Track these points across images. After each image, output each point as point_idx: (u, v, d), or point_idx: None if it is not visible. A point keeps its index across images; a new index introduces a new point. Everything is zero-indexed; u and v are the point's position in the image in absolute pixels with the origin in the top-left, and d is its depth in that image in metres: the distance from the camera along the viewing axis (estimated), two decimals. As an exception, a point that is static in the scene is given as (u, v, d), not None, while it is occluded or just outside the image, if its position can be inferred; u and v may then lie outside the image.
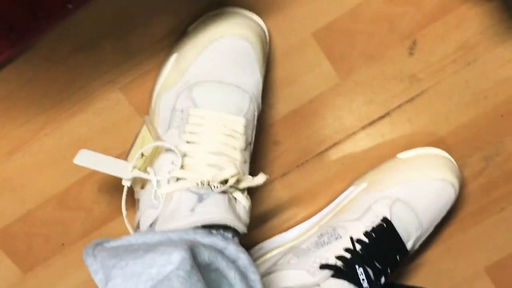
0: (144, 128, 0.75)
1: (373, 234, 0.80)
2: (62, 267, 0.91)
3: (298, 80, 0.83)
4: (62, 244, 0.90)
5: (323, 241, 0.82)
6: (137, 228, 0.74)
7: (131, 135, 0.81)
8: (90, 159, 0.73)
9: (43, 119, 0.83)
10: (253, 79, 0.74)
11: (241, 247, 0.69)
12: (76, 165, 0.82)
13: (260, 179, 0.73)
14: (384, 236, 0.80)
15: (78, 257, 0.86)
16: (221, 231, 0.70)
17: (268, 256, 0.87)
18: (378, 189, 0.83)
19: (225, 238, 0.68)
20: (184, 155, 0.70)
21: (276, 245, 0.88)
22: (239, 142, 0.71)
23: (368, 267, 0.79)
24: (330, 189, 0.89)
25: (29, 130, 0.83)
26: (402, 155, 0.85)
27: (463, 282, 0.96)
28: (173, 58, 0.76)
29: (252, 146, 0.77)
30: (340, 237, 0.81)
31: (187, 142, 0.71)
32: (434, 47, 0.82)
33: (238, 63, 0.73)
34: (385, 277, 0.82)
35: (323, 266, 0.79)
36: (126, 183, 0.72)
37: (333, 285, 0.78)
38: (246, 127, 0.73)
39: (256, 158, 0.85)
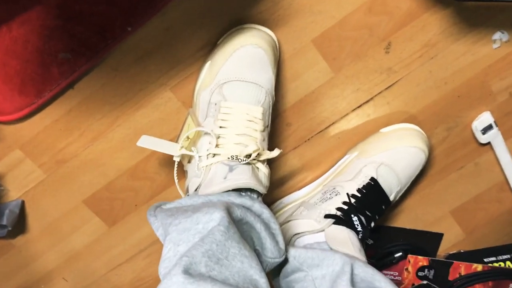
0: (189, 117, 0.73)
1: (364, 190, 0.76)
2: (136, 222, 0.88)
3: (301, 76, 0.78)
4: (135, 205, 0.87)
5: (326, 197, 0.78)
6: (186, 192, 0.73)
7: (180, 122, 0.79)
8: (149, 142, 0.71)
9: (115, 114, 0.79)
10: (267, 77, 0.71)
11: (264, 204, 0.68)
12: (140, 148, 0.80)
13: (275, 152, 0.71)
14: (372, 191, 0.76)
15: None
16: (248, 193, 0.69)
17: (285, 209, 0.84)
18: (366, 156, 0.79)
19: (252, 198, 0.67)
20: (218, 137, 0.68)
21: (291, 201, 0.84)
22: (259, 125, 0.69)
23: (361, 215, 0.75)
24: (330, 158, 0.84)
25: (104, 123, 0.80)
26: (384, 130, 0.80)
27: (433, 222, 0.90)
28: (207, 64, 0.73)
29: (269, 128, 0.74)
30: (339, 193, 0.77)
31: (220, 127, 0.69)
32: (404, 46, 0.76)
33: (255, 65, 0.70)
34: (374, 222, 0.78)
35: (327, 216, 0.75)
36: (176, 159, 0.71)
37: (334, 230, 0.74)
38: (263, 114, 0.70)
39: (274, 137, 0.81)
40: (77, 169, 0.84)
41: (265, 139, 0.72)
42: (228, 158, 0.68)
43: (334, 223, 0.75)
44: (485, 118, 0.82)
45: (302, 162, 0.85)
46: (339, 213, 0.75)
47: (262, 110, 0.71)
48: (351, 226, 0.75)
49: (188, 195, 0.72)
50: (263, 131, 0.71)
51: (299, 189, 0.85)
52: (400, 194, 0.81)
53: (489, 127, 0.83)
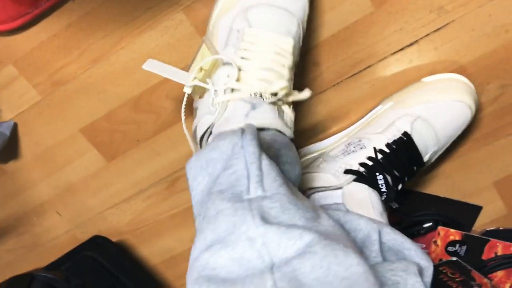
0: (203, 46, 0.64)
1: (394, 146, 0.67)
2: (137, 158, 0.82)
3: (337, 7, 0.68)
4: (137, 140, 0.80)
5: (350, 149, 0.70)
6: (194, 133, 0.65)
7: (191, 51, 0.72)
8: (156, 67, 0.62)
9: (119, 34, 0.72)
10: (301, 4, 0.62)
11: None
12: (147, 75, 0.73)
13: (306, 93, 0.62)
14: (403, 148, 0.68)
15: (150, 150, 0.80)
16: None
17: (302, 160, 0.76)
18: (402, 107, 0.69)
19: None
20: (239, 70, 0.59)
21: (310, 152, 0.76)
22: (288, 60, 0.60)
23: (387, 174, 0.67)
24: (360, 107, 0.75)
25: (107, 43, 0.72)
26: (426, 79, 0.71)
27: (472, 193, 0.81)
28: None
29: (295, 67, 0.65)
30: (365, 147, 0.69)
31: (242, 58, 0.60)
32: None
33: None
34: (402, 185, 0.70)
35: (347, 171, 0.67)
36: (187, 90, 0.62)
37: (354, 188, 0.67)
38: (294, 47, 0.61)
39: (296, 77, 0.70)
40: (75, 93, 0.77)
41: (292, 78, 0.63)
42: (250, 94, 0.59)
43: (354, 180, 0.67)
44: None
45: (327, 109, 0.76)
46: (362, 169, 0.67)
47: (293, 42, 0.61)
48: (374, 185, 0.67)
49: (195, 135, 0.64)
50: (292, 68, 0.62)
51: (321, 140, 0.77)
52: (436, 156, 0.72)
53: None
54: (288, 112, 0.62)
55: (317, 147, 0.76)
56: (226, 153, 0.52)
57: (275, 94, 0.60)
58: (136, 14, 0.70)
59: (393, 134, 0.68)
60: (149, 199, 0.86)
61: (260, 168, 0.49)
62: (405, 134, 0.68)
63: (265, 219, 0.44)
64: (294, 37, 0.62)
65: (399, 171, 0.68)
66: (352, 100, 0.76)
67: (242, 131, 0.53)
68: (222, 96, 0.60)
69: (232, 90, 0.60)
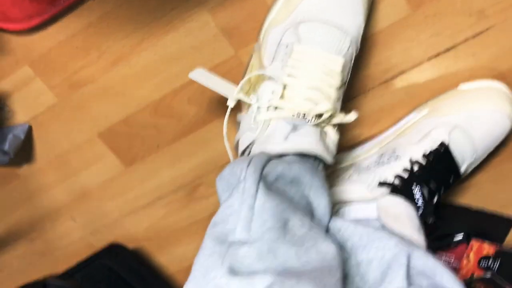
0: (254, 56, 0.62)
1: (430, 157, 0.64)
2: (157, 164, 0.79)
3: (371, 9, 0.65)
4: (157, 145, 0.77)
5: (383, 160, 0.67)
6: (236, 145, 0.63)
7: (215, 53, 0.69)
8: (203, 77, 0.60)
9: (140, 36, 0.69)
10: (357, 23, 0.59)
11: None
12: (169, 78, 0.70)
13: (352, 116, 0.60)
14: (440, 159, 0.64)
15: (170, 156, 0.77)
16: (311, 160, 0.58)
17: (331, 170, 0.73)
18: (438, 116, 0.66)
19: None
20: (284, 87, 0.57)
21: (341, 161, 0.73)
22: (335, 80, 0.57)
23: (424, 187, 0.64)
24: (392, 115, 0.71)
25: (127, 45, 0.70)
26: (464, 87, 0.67)
27: (505, 205, 0.79)
28: None
29: (345, 86, 0.61)
30: (399, 158, 0.65)
31: (288, 75, 0.57)
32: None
33: (345, 5, 0.58)
34: (438, 197, 0.66)
35: (382, 184, 0.64)
36: (230, 104, 0.60)
37: (389, 201, 0.63)
38: (343, 67, 0.58)
39: None
40: (93, 97, 0.74)
41: (340, 98, 0.60)
42: (293, 115, 0.57)
43: (389, 193, 0.64)
44: None
45: (357, 116, 0.74)
46: (397, 181, 0.64)
47: (343, 62, 0.58)
48: (410, 198, 0.64)
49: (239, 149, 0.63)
50: (340, 88, 0.59)
51: (350, 149, 0.74)
52: (472, 167, 0.69)
53: None
54: (332, 134, 0.60)
55: (347, 156, 0.73)
56: (233, 182, 0.53)
57: (319, 116, 0.57)
58: (158, 14, 0.67)
59: (430, 145, 0.65)
60: (168, 206, 0.83)
61: (252, 208, 0.48)
62: (442, 144, 0.64)
63: (233, 270, 0.45)
64: (345, 56, 0.59)
65: (435, 183, 0.65)
66: (383, 107, 0.72)
67: (250, 161, 0.52)
68: (264, 114, 0.58)
69: (276, 108, 0.58)
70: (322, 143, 0.58)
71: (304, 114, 0.56)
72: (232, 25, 0.67)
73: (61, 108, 0.75)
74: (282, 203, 0.50)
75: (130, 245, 0.86)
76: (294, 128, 0.57)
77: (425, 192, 0.64)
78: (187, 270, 0.87)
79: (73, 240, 0.88)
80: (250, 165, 0.51)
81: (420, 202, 0.64)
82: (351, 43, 0.59)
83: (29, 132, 0.77)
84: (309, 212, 0.56)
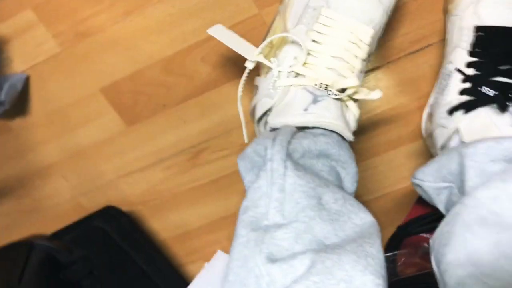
0: (278, 17, 0.58)
1: (477, 49, 0.56)
2: (161, 125, 0.75)
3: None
4: (164, 105, 0.73)
5: (443, 85, 0.60)
6: (252, 111, 0.59)
7: (238, 10, 0.65)
8: (223, 34, 0.56)
9: (159, -15, 0.66)
10: None
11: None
12: (184, 34, 0.66)
13: (376, 95, 0.55)
14: (488, 42, 0.56)
15: (177, 118, 0.73)
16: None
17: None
18: (457, 3, 0.59)
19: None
20: (307, 53, 0.53)
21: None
22: (363, 51, 0.54)
23: (495, 77, 0.55)
24: (415, 89, 0.69)
25: (145, -6, 0.66)
26: None
27: None
28: None
29: (371, 57, 0.59)
30: (452, 72, 0.58)
31: (313, 40, 0.54)
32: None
33: None
34: None
35: (450, 111, 0.56)
36: (249, 65, 0.55)
37: (472, 120, 0.55)
38: (372, 38, 0.55)
39: None
40: (100, 48, 0.69)
41: (363, 70, 0.57)
42: (316, 84, 0.53)
43: (464, 113, 0.55)
44: None
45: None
46: (464, 97, 0.56)
47: (373, 33, 0.55)
48: (489, 101, 0.55)
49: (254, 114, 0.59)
50: (365, 59, 0.56)
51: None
52: None
53: None
54: (353, 108, 0.57)
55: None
56: (257, 161, 0.50)
57: (343, 90, 0.54)
58: (182, -36, 0.63)
59: (467, 39, 0.57)
60: (169, 170, 0.79)
61: (282, 189, 0.46)
62: (478, 28, 0.57)
63: (272, 256, 0.44)
64: (375, 26, 0.55)
65: (506, 63, 0.55)
66: (405, 80, 0.70)
67: (274, 138, 0.49)
68: (284, 80, 0.55)
69: (297, 74, 0.55)
70: (343, 118, 0.54)
71: (327, 86, 0.53)
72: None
73: (64, 59, 0.70)
74: (313, 180, 0.48)
75: (124, 208, 0.82)
76: (315, 99, 0.53)
77: (502, 79, 0.55)
78: (180, 237, 0.86)
79: (63, 200, 0.84)
80: (275, 143, 0.48)
81: (498, 96, 0.54)
82: (384, 12, 0.56)
83: (26, 83, 0.72)
84: (339, 183, 0.54)
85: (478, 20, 0.56)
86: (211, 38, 0.66)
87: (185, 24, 0.67)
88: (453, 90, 0.57)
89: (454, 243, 0.47)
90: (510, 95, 0.53)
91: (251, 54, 0.55)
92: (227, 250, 0.87)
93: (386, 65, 0.69)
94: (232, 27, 0.66)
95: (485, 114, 0.54)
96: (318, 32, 0.55)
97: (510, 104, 0.53)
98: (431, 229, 0.62)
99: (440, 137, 0.59)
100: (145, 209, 0.83)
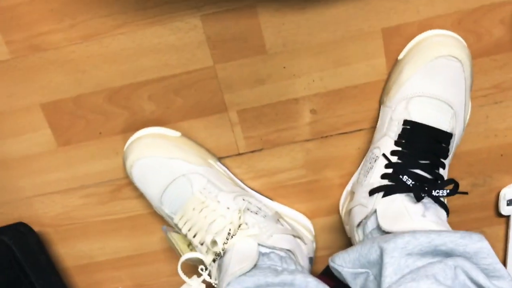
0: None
1: (403, 140, 0.62)
2: (92, 152, 0.75)
3: (354, 64, 0.68)
4: (100, 132, 0.74)
5: (368, 167, 0.66)
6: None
7: (194, 60, 0.68)
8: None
9: (124, 19, 0.66)
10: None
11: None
12: (137, 69, 0.68)
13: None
14: (413, 135, 0.62)
15: (110, 148, 0.74)
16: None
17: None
18: (392, 97, 0.66)
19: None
20: None
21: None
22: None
23: (414, 169, 0.61)
24: (337, 167, 0.75)
25: (107, 24, 0.67)
26: (400, 56, 0.68)
27: None
28: None
29: None
30: (378, 157, 0.64)
31: None
32: (477, 78, 0.68)
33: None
34: (442, 168, 0.63)
35: (371, 192, 0.62)
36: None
37: (388, 203, 0.60)
38: None
39: (290, 119, 0.71)
40: (50, 64, 0.70)
41: None
42: None
43: (383, 196, 0.61)
44: (518, 189, 0.77)
45: (306, 159, 0.75)
46: (384, 181, 0.62)
47: None
48: (405, 189, 0.60)
49: None
50: None
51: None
52: (462, 118, 0.67)
53: (517, 199, 0.77)
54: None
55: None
56: None
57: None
58: (150, 4, 0.65)
59: (395, 130, 0.64)
60: (88, 198, 0.78)
61: None
62: (406, 122, 0.63)
63: None
64: None
65: (426, 158, 0.62)
66: (333, 157, 0.75)
67: None
68: None
69: None
70: None
71: None
72: (220, 38, 0.67)
73: (12, 66, 0.70)
74: None
75: (34, 227, 0.80)
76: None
77: (420, 172, 0.61)
78: (84, 268, 0.85)
79: (-30, 208, 0.81)
80: None
81: (413, 185, 0.60)
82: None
83: (-35, 81, 0.71)
84: None
85: (407, 115, 0.63)
86: (163, 79, 0.70)
87: (139, 61, 0.69)
88: (377, 173, 0.63)
89: None
90: (426, 188, 0.59)
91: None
92: (127, 290, 0.86)
93: (319, 139, 0.74)
94: (182, 75, 0.69)
95: (401, 201, 0.59)
96: None
97: (424, 196, 0.59)
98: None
99: (358, 214, 0.64)
100: (55, 233, 0.82)
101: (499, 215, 0.78)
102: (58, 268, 0.84)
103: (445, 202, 0.63)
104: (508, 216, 0.78)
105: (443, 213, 0.61)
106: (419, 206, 0.59)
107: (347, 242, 0.81)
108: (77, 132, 0.74)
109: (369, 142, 0.73)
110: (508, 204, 0.76)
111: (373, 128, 0.72)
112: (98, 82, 0.71)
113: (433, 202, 0.60)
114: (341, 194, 0.77)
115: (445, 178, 0.64)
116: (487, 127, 0.72)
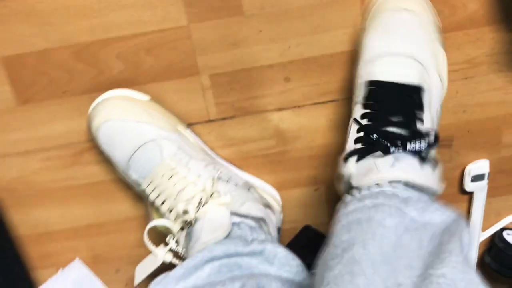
0: None
1: (370, 101, 0.60)
2: (55, 112, 0.72)
3: (331, 31, 0.68)
4: (64, 91, 0.70)
5: (347, 136, 0.63)
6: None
7: (167, 18, 0.66)
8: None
9: (98, -30, 0.65)
10: None
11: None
12: (106, 26, 0.66)
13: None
14: (379, 94, 0.60)
15: (73, 108, 0.71)
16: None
17: None
18: (358, 64, 0.65)
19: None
20: None
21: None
22: None
23: (386, 127, 0.58)
24: (309, 137, 0.74)
25: (80, -27, 0.65)
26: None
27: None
28: None
29: None
30: (351, 124, 0.62)
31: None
32: (449, 52, 0.67)
33: None
34: (421, 123, 0.59)
35: (345, 158, 0.60)
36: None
37: (364, 167, 0.58)
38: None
39: (263, 87, 0.70)
40: (14, 15, 0.66)
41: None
42: None
43: (357, 160, 0.59)
44: (482, 166, 0.78)
45: (276, 129, 0.74)
46: (358, 145, 0.60)
47: None
48: (381, 149, 0.58)
49: None
50: None
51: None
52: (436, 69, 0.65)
53: (481, 177, 0.78)
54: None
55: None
56: None
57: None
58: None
59: (362, 94, 0.62)
60: (47, 161, 0.75)
61: None
62: (370, 83, 0.62)
63: None
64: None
65: (398, 115, 0.59)
66: (304, 128, 0.75)
67: None
68: None
69: None
70: None
71: None
72: None
73: (-29, 15, 0.66)
74: None
75: (-14, 191, 0.76)
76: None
77: (393, 129, 0.58)
78: (38, 237, 0.81)
79: None
80: None
81: (388, 143, 0.57)
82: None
83: None
84: None
85: (372, 76, 0.62)
86: (133, 37, 0.68)
87: (111, 16, 0.66)
88: (351, 139, 0.62)
89: None
90: (398, 144, 0.57)
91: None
92: (86, 260, 0.83)
93: (292, 109, 0.73)
94: (155, 33, 0.67)
95: (371, 159, 0.58)
96: None
97: (394, 150, 0.57)
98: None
99: (341, 184, 0.63)
100: (9, 198, 0.77)
101: (463, 192, 0.80)
102: (10, 236, 0.80)
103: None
104: (471, 193, 0.80)
105: (417, 162, 0.58)
106: (388, 158, 0.57)
107: (313, 216, 0.81)
108: (39, 90, 0.71)
109: (342, 113, 0.73)
110: (472, 181, 0.78)
111: (347, 99, 0.72)
112: (65, 37, 0.67)
113: (406, 154, 0.57)
114: (310, 167, 0.77)
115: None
116: (456, 102, 0.73)
